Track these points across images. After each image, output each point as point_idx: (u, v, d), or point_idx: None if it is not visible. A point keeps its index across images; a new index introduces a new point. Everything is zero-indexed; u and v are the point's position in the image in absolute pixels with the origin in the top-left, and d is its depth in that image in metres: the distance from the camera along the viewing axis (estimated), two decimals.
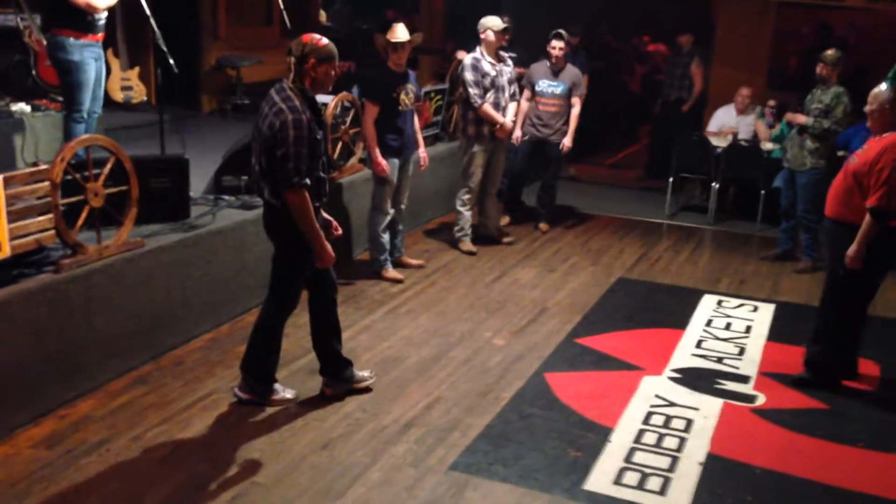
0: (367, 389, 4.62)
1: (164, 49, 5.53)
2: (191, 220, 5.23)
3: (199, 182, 5.78)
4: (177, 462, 3.88)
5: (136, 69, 7.67)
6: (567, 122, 7.70)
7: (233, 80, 8.76)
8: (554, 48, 7.56)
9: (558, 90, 7.63)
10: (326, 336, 4.51)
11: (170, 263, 4.89)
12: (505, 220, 8.07)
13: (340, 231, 4.44)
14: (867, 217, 4.59)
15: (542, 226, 8.10)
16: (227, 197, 5.74)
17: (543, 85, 7.67)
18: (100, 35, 5.48)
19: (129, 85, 7.63)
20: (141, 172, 4.74)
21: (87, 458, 3.87)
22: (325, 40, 4.07)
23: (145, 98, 7.72)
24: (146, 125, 6.80)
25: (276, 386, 4.47)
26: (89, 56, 5.41)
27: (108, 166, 4.52)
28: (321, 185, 4.17)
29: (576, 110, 7.70)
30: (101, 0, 5.28)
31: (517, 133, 7.62)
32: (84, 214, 4.42)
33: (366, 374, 4.68)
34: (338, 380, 4.55)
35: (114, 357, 4.59)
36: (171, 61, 5.55)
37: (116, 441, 4.03)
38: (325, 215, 4.34)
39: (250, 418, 4.30)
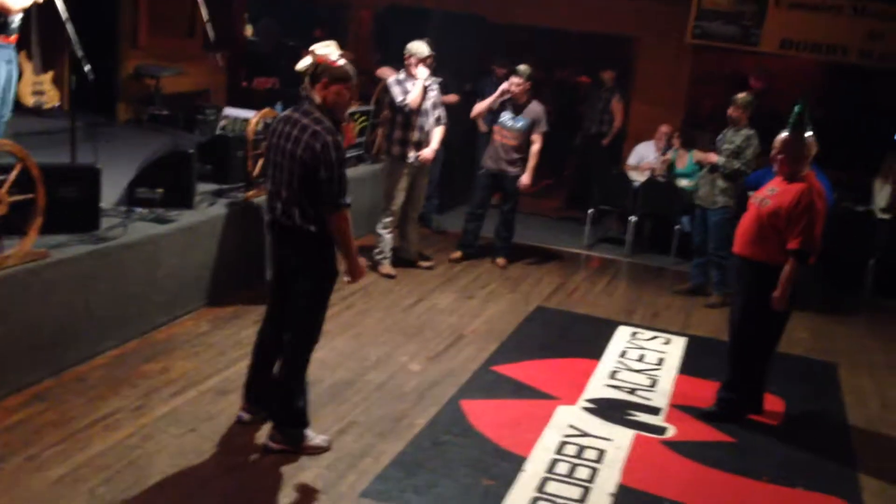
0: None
1: (80, 54, 5.35)
2: (100, 232, 5.03)
3: (111, 193, 5.58)
4: (74, 483, 3.69)
5: (50, 73, 7.41)
6: (525, 157, 7.64)
7: (151, 89, 8.54)
8: (511, 84, 7.51)
9: (518, 125, 7.56)
10: (272, 362, 4.31)
11: (75, 276, 4.70)
12: (457, 254, 7.97)
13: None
14: (790, 260, 4.70)
15: (500, 260, 7.94)
16: (139, 209, 5.56)
17: (505, 118, 7.60)
18: (12, 37, 5.28)
19: (42, 90, 7.36)
20: (49, 181, 4.54)
21: None
22: (341, 61, 4.02)
23: (58, 104, 7.45)
24: (57, 132, 6.54)
25: (309, 432, 4.21)
26: (0, 58, 5.20)
27: (14, 173, 4.32)
28: None
29: (535, 147, 7.60)
30: (15, 1, 5.09)
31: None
32: None
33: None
34: (259, 408, 4.38)
35: (11, 372, 4.36)
36: (87, 67, 5.37)
37: (10, 460, 3.81)
38: None
39: (153, 440, 4.14)
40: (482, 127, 7.92)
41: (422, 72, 6.96)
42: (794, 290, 4.77)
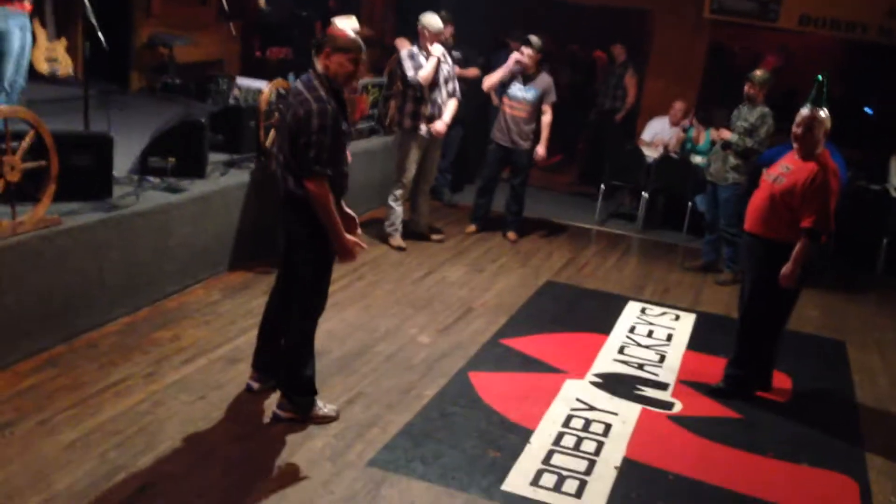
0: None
1: (94, 22, 5.34)
2: (112, 200, 5.06)
3: (123, 161, 5.60)
4: (85, 448, 3.74)
5: (64, 41, 7.41)
6: (536, 129, 7.59)
7: (165, 58, 8.53)
8: (523, 55, 7.46)
9: (529, 95, 7.51)
10: (279, 331, 4.32)
11: (88, 243, 4.73)
12: (471, 228, 7.99)
13: (360, 230, 4.27)
14: (803, 238, 4.68)
15: (510, 234, 7.94)
16: (152, 178, 5.58)
17: (514, 89, 7.54)
18: (27, 4, 5.27)
19: (55, 57, 7.37)
20: (62, 148, 4.56)
21: None
22: (350, 33, 4.00)
23: (71, 72, 7.46)
24: (70, 100, 6.56)
25: (318, 401, 4.24)
26: (14, 25, 5.21)
27: (28, 140, 4.34)
28: (343, 180, 4.06)
29: (547, 118, 7.56)
30: None
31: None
32: None
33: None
34: (268, 377, 4.43)
35: (23, 337, 4.41)
36: (101, 35, 5.36)
37: (22, 424, 3.87)
38: (348, 210, 4.18)
39: (163, 406, 4.18)
40: (495, 101, 7.88)
41: (436, 48, 6.92)
42: (805, 268, 4.75)
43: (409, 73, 6.92)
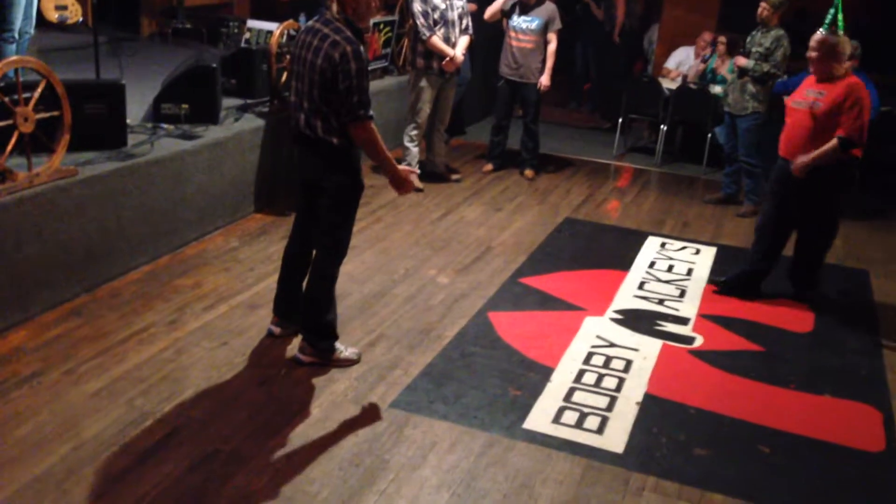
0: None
1: None
2: (127, 149, 5.05)
3: (136, 109, 5.58)
4: (111, 396, 3.80)
5: None
6: (543, 61, 7.48)
7: (174, 3, 8.42)
8: None
9: (533, 25, 7.35)
10: (299, 277, 4.34)
11: (104, 193, 4.73)
12: (488, 167, 7.93)
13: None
14: (834, 142, 4.89)
15: (528, 172, 7.87)
16: (165, 126, 5.56)
17: (517, 20, 7.40)
18: None
19: (64, 4, 7.27)
20: (74, 97, 4.54)
21: (18, 390, 3.77)
22: None
23: (81, 19, 7.37)
24: (81, 48, 6.53)
25: (338, 345, 4.26)
26: None
27: (39, 90, 4.32)
28: None
29: (552, 46, 7.41)
30: None
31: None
32: (13, 140, 4.23)
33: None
34: (289, 322, 4.46)
35: (46, 288, 4.46)
36: None
37: (49, 374, 3.93)
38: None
39: (187, 353, 4.23)
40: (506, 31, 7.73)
41: None
42: (842, 192, 5.12)
43: (420, 20, 6.79)
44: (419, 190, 7.13)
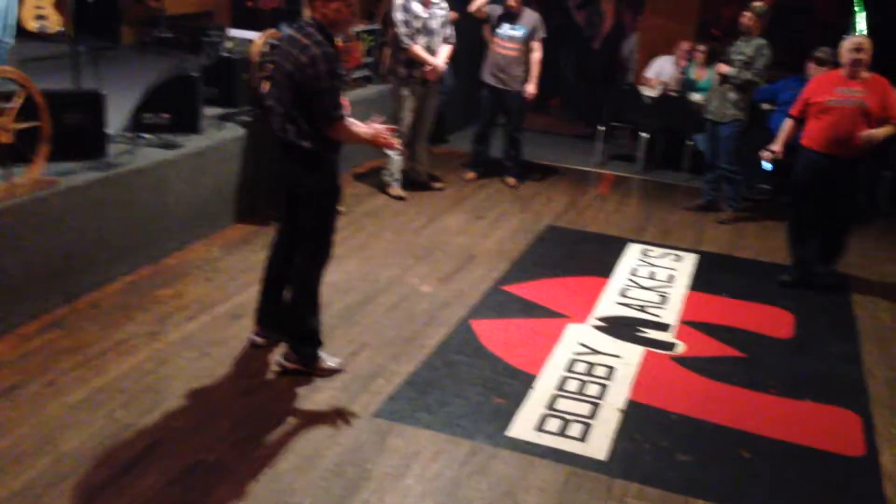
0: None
1: None
2: (108, 159, 5.02)
3: (117, 119, 5.55)
4: (92, 408, 3.77)
5: None
6: (527, 70, 7.50)
7: (156, 11, 8.38)
8: None
9: (518, 33, 7.38)
10: (282, 285, 4.33)
11: (85, 203, 4.71)
12: (471, 175, 7.94)
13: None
14: (892, 125, 5.44)
15: (510, 180, 7.88)
16: (146, 135, 5.53)
17: (504, 28, 7.41)
18: None
19: (44, 14, 7.23)
20: (53, 107, 4.52)
21: None
22: None
23: (61, 28, 7.34)
24: (61, 57, 6.46)
25: (322, 354, 4.26)
26: None
27: (18, 100, 4.29)
28: None
29: (536, 55, 7.45)
30: None
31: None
32: None
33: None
34: (271, 331, 4.44)
35: (26, 300, 4.42)
36: None
37: (29, 386, 3.90)
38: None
39: (168, 364, 4.21)
40: (488, 37, 7.74)
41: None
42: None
43: (400, 28, 6.81)
44: (401, 198, 7.13)
